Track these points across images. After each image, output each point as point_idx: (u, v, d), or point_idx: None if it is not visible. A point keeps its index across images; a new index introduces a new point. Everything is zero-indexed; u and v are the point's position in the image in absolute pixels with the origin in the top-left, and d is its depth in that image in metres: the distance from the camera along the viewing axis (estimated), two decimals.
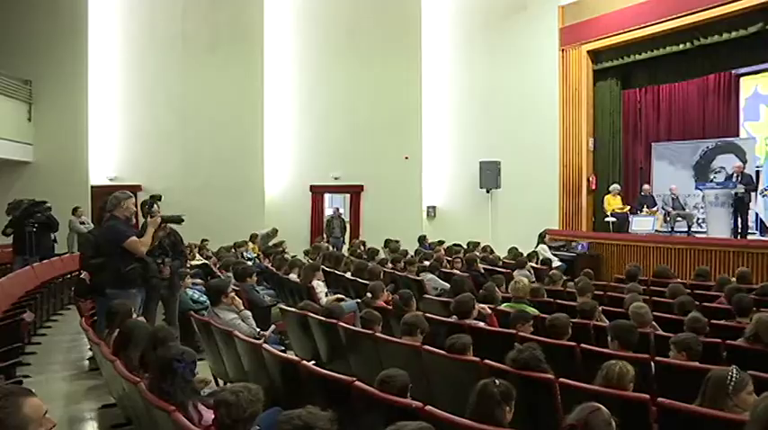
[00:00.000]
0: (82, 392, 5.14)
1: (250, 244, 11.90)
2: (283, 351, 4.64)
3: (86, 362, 5.95)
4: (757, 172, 11.15)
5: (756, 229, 11.01)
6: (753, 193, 10.35)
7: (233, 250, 10.58)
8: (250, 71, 13.49)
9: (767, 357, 3.65)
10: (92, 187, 12.59)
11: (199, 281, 7.38)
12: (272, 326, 5.38)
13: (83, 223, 10.46)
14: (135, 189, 12.28)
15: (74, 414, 4.64)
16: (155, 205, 5.46)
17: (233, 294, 5.04)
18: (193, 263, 8.82)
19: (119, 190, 5.52)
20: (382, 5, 14.08)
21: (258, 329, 4.97)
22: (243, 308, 5.02)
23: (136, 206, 5.63)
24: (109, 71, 13.25)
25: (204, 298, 6.01)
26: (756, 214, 11.19)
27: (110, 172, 13.27)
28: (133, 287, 5.03)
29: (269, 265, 8.93)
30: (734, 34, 10.19)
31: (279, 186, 13.99)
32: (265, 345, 3.95)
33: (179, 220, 5.51)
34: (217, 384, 4.71)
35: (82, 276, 5.91)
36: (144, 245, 5.04)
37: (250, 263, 9.27)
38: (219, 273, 7.90)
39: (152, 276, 5.22)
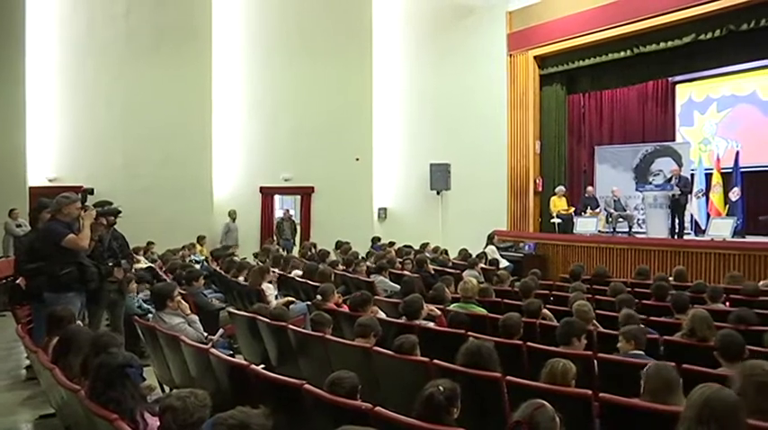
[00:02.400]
0: (19, 402, 4.92)
1: (198, 246, 11.68)
2: (232, 355, 4.56)
3: (23, 371, 5.69)
4: (692, 175, 11.67)
5: (692, 230, 11.51)
6: (688, 195, 10.83)
7: (180, 253, 10.35)
8: (197, 70, 13.19)
9: (702, 351, 3.81)
10: (30, 188, 12.03)
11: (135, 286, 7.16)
12: (221, 331, 5.28)
13: (19, 226, 9.97)
14: (76, 190, 11.80)
15: (10, 425, 4.44)
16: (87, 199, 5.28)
17: (179, 298, 4.92)
18: (138, 266, 8.56)
19: (59, 191, 5.31)
20: (333, 6, 14.03)
21: (206, 334, 4.88)
22: (189, 312, 4.91)
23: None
24: (48, 69, 12.68)
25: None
26: (692, 215, 11.71)
27: (49, 172, 12.71)
28: (71, 291, 4.86)
29: (217, 268, 8.77)
30: (670, 44, 10.73)
31: (228, 187, 13.74)
32: (213, 350, 3.88)
33: (115, 212, 5.35)
34: (162, 391, 4.59)
35: (17, 282, 5.65)
36: (84, 239, 4.87)
37: (198, 266, 9.09)
38: (166, 277, 7.70)
39: (90, 280, 5.03)
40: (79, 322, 4.35)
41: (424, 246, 11.15)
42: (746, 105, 12.27)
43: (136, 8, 12.77)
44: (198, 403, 2.37)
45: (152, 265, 9.13)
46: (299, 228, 13.85)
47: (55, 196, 5.17)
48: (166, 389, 4.68)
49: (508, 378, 3.27)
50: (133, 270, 6.95)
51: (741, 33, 9.87)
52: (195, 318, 4.91)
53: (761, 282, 7.12)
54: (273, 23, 13.85)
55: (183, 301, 4.96)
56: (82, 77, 12.73)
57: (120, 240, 5.74)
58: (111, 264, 5.41)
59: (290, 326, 4.65)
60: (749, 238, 10.20)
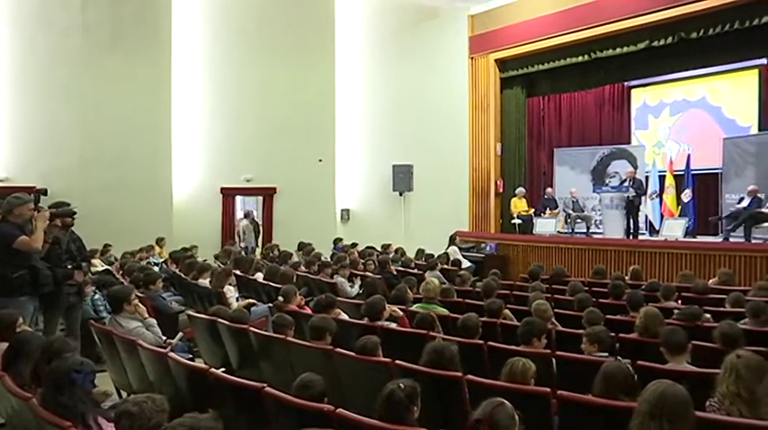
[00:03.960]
0: None
1: (157, 248, 11.43)
2: (191, 359, 4.49)
3: None
4: (646, 177, 12.01)
5: (646, 230, 11.85)
6: (643, 197, 11.15)
7: (138, 255, 10.12)
8: (157, 67, 12.90)
9: (655, 347, 3.93)
10: None
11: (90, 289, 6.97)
12: (180, 334, 5.18)
13: None
14: (28, 190, 11.46)
15: None
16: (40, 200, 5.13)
17: (136, 301, 4.81)
18: (94, 269, 8.33)
19: (9, 191, 5.13)
20: (295, 6, 13.94)
21: (164, 337, 4.78)
22: (147, 315, 4.81)
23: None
24: None
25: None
26: (646, 216, 12.05)
27: None
28: (22, 295, 4.71)
29: (176, 270, 8.61)
30: (625, 49, 11.05)
31: (187, 188, 13.49)
32: (171, 354, 3.81)
33: (71, 213, 5.21)
34: (120, 396, 4.48)
35: None
36: (36, 241, 4.72)
37: (156, 268, 8.90)
38: (123, 280, 7.51)
39: (44, 283, 4.88)
40: (26, 327, 4.19)
41: (387, 247, 11.19)
42: (697, 110, 12.70)
43: (93, 1, 12.42)
44: (155, 408, 2.33)
45: (109, 268, 8.90)
46: (261, 229, 13.71)
47: (5, 197, 5.00)
48: (124, 394, 4.57)
49: (469, 377, 3.31)
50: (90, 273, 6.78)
51: (692, 41, 10.25)
52: (153, 321, 4.81)
53: (710, 281, 7.40)
54: (235, 21, 13.67)
55: (140, 305, 4.85)
56: (34, 73, 12.30)
57: (77, 242, 5.59)
58: (70, 266, 5.25)
59: (252, 329, 4.61)
60: (700, 238, 10.56)
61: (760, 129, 11.43)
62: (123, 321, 4.63)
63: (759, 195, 9.67)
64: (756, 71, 11.68)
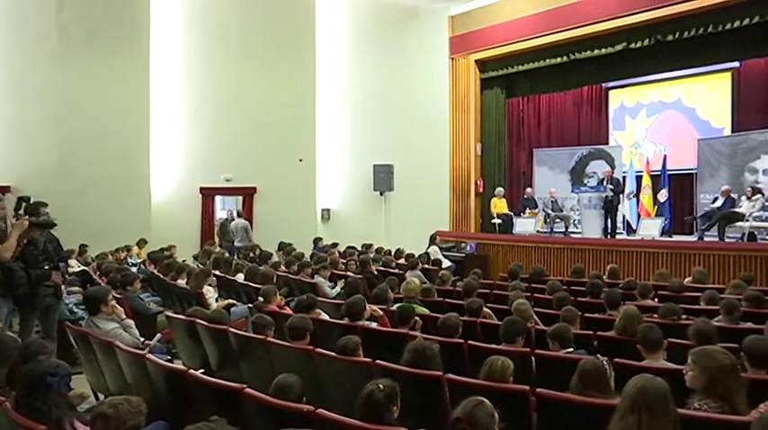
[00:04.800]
0: None
1: (135, 248, 11.29)
2: (170, 360, 4.44)
3: None
4: (624, 177, 12.18)
5: (623, 229, 12.01)
6: (620, 196, 11.31)
7: (115, 255, 9.99)
8: (134, 67, 12.74)
9: (632, 345, 3.98)
10: None
11: (76, 289, 6.89)
12: (158, 335, 5.13)
13: None
14: (3, 190, 11.27)
15: None
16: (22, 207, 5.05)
17: (113, 302, 4.75)
18: (71, 270, 8.21)
19: None
20: (276, 6, 13.87)
21: (142, 339, 4.73)
22: (125, 317, 4.75)
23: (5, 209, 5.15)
24: None
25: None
26: (623, 215, 12.22)
27: None
28: None
29: (155, 271, 8.51)
30: (603, 51, 11.21)
31: (166, 188, 13.35)
32: (149, 355, 3.77)
33: (51, 225, 5.12)
34: (97, 399, 4.42)
35: None
36: (7, 249, 4.64)
37: (134, 269, 8.80)
38: (100, 281, 7.41)
39: (18, 284, 4.79)
40: None
41: (368, 247, 11.19)
42: (673, 111, 12.91)
43: (68, 2, 12.22)
44: (131, 410, 2.30)
45: (85, 269, 8.78)
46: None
47: None
48: (101, 396, 4.51)
49: (449, 376, 3.33)
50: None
51: (668, 43, 10.44)
52: (131, 322, 4.75)
53: (686, 279, 7.52)
54: (215, 21, 13.55)
55: (117, 306, 4.79)
56: (9, 73, 12.11)
57: (54, 243, 5.50)
58: (47, 267, 5.16)
59: (231, 330, 4.58)
60: (676, 238, 10.74)
61: (733, 131, 11.67)
62: (100, 322, 4.58)
63: (732, 195, 9.87)
64: (729, 74, 11.92)
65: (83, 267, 8.92)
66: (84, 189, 11.86)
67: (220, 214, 14.27)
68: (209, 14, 13.57)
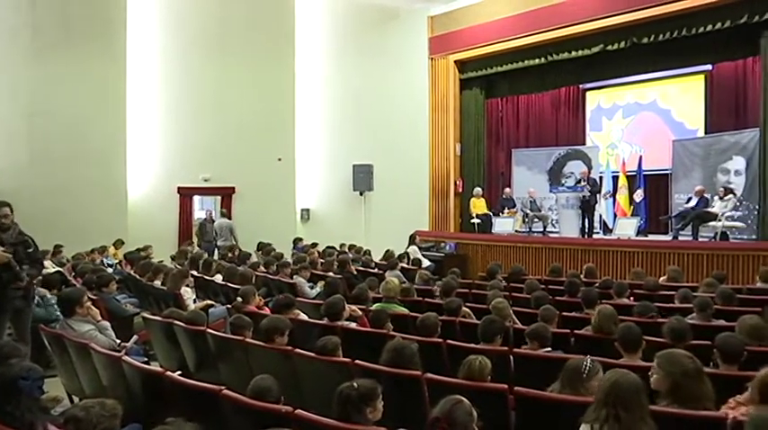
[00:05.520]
0: None
1: (111, 249, 11.13)
2: (146, 362, 4.39)
3: None
4: (600, 177, 12.33)
5: (600, 229, 12.16)
6: (597, 196, 11.45)
7: (90, 256, 9.84)
8: (110, 65, 12.56)
9: (608, 344, 4.04)
10: None
11: (44, 291, 6.74)
12: (135, 337, 5.06)
13: None
14: None
15: None
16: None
17: (89, 304, 4.68)
18: (45, 271, 8.05)
19: None
20: (255, 5, 13.78)
21: (118, 341, 4.67)
22: (100, 318, 4.69)
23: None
24: None
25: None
26: (600, 215, 12.37)
27: None
28: None
29: (131, 272, 8.40)
30: (580, 53, 11.38)
31: (143, 187, 13.19)
32: (125, 357, 3.72)
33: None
34: (71, 402, 4.35)
35: None
36: None
37: (110, 270, 8.68)
38: (75, 282, 7.29)
39: None
40: None
41: (349, 247, 11.18)
42: (648, 113, 13.09)
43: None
44: (104, 413, 2.26)
45: (60, 270, 8.62)
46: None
47: None
48: (75, 400, 4.44)
49: (428, 375, 3.34)
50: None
51: (643, 45, 10.63)
52: (107, 324, 4.69)
53: (661, 278, 7.65)
54: (193, 20, 13.43)
55: (93, 307, 4.72)
56: None
57: (26, 244, 5.36)
58: (16, 270, 5.05)
59: (209, 331, 4.54)
60: (651, 237, 10.91)
61: (706, 132, 11.88)
62: (75, 324, 4.51)
63: (705, 195, 10.06)
64: (702, 76, 12.13)
65: (57, 268, 8.76)
66: (59, 188, 11.66)
67: (198, 214, 14.12)
68: (188, 13, 13.44)
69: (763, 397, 2.63)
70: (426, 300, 6.40)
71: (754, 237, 9.85)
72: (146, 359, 4.80)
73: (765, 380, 2.65)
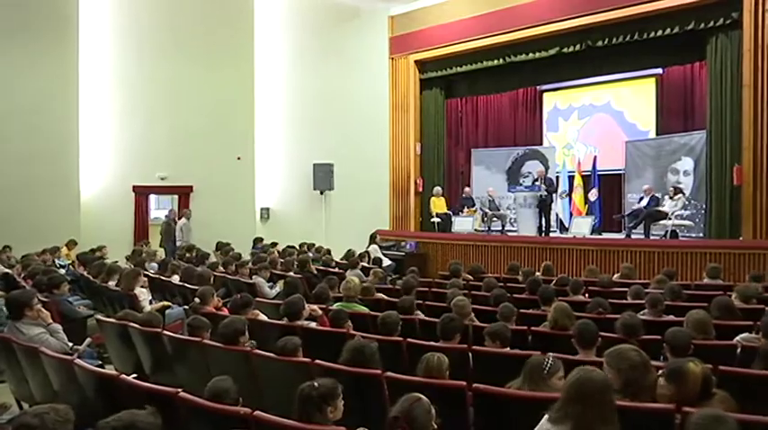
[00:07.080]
0: None
1: (64, 249, 10.79)
2: (100, 366, 4.28)
3: None
4: (557, 177, 12.60)
5: (557, 228, 12.42)
6: (554, 196, 11.70)
7: (41, 257, 9.51)
8: (61, 61, 12.17)
9: (564, 339, 4.13)
10: None
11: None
12: (88, 340, 4.92)
13: None
14: None
15: None
16: None
17: (39, 306, 4.53)
18: None
19: None
20: (212, 4, 13.55)
21: (71, 344, 4.53)
22: (51, 321, 4.54)
23: None
24: None
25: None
26: (557, 214, 12.64)
27: None
28: None
29: (84, 273, 8.16)
30: (537, 55, 11.61)
31: (97, 186, 12.83)
32: (78, 361, 3.61)
33: None
34: (21, 408, 4.21)
35: None
36: None
37: (63, 271, 8.41)
38: (25, 283, 7.04)
39: None
40: None
41: (309, 246, 11.11)
42: (603, 114, 13.44)
43: None
44: (58, 419, 2.18)
45: (8, 271, 8.31)
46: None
47: None
48: (25, 406, 4.29)
49: (388, 374, 3.35)
50: None
51: (598, 49, 10.95)
52: (58, 327, 4.55)
53: (615, 275, 7.87)
54: (147, 17, 13.14)
55: (43, 310, 4.57)
56: None
57: None
58: None
59: (165, 332, 4.45)
60: (605, 235, 11.20)
61: (657, 134, 12.27)
62: (24, 328, 4.36)
63: (656, 194, 10.39)
64: (654, 80, 12.53)
65: (5, 270, 8.44)
66: (8, 187, 11.26)
67: (155, 214, 13.81)
68: (142, 10, 13.14)
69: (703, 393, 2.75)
70: (385, 298, 6.41)
71: (701, 235, 10.23)
72: (100, 362, 4.68)
73: (705, 375, 2.78)
